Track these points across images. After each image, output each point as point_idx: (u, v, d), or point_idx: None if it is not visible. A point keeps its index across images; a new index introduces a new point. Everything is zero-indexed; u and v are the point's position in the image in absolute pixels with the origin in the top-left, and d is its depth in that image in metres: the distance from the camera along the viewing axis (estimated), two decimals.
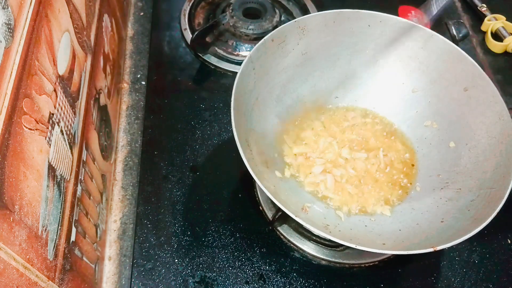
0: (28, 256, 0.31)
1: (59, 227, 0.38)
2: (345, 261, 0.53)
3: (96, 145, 0.51)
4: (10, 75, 0.31)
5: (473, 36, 0.79)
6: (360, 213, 0.51)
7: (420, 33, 0.54)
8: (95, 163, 0.50)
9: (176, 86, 0.68)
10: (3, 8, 0.30)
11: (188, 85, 0.68)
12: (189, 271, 0.51)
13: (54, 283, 0.36)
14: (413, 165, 0.55)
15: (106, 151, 0.56)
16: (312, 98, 0.59)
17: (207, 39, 0.71)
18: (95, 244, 0.48)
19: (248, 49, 0.71)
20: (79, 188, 0.44)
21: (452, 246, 0.53)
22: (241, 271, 0.52)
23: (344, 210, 0.51)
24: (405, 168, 0.55)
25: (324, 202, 0.52)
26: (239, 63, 0.70)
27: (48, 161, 0.36)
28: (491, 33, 0.78)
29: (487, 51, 0.77)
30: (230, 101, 0.45)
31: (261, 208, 0.56)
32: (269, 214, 0.55)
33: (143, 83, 0.67)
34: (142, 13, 0.77)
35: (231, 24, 0.71)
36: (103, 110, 0.55)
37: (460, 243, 0.39)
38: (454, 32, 0.74)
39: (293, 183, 0.52)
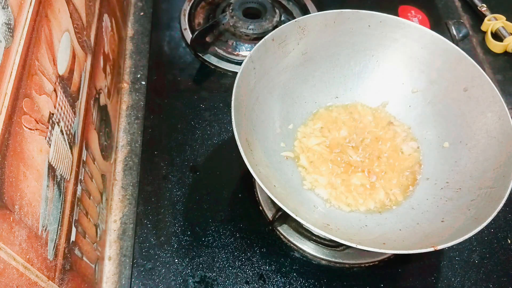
0: (28, 256, 0.31)
1: (59, 227, 0.38)
2: (345, 261, 0.53)
3: (96, 145, 0.51)
4: (10, 75, 0.31)
5: (473, 36, 0.79)
6: (361, 213, 0.51)
7: (420, 33, 0.54)
8: (95, 163, 0.50)
9: (176, 86, 0.68)
10: (3, 8, 0.30)
11: (188, 85, 0.68)
12: (189, 271, 0.51)
13: (54, 283, 0.36)
14: (413, 165, 0.55)
15: (106, 151, 0.56)
16: (312, 98, 0.59)
17: (207, 39, 0.71)
18: (95, 244, 0.48)
19: (248, 49, 0.71)
20: (79, 188, 0.44)
21: (452, 246, 0.53)
22: (241, 271, 0.52)
23: (345, 209, 0.51)
24: (405, 168, 0.55)
25: (324, 201, 0.52)
26: (239, 63, 0.70)
27: (48, 161, 0.36)
28: (491, 33, 0.78)
29: (487, 51, 0.77)
30: (230, 101, 0.45)
31: (261, 208, 0.56)
32: (269, 214, 0.55)
33: (143, 83, 0.67)
34: (142, 13, 0.77)
35: (231, 24, 0.71)
36: (103, 110, 0.55)
37: (460, 243, 0.39)
38: (454, 32, 0.75)
39: (293, 183, 0.52)
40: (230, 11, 0.72)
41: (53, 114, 0.38)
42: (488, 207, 0.42)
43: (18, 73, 0.31)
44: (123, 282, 0.51)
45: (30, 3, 0.35)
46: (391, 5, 0.81)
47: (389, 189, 0.53)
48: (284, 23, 0.55)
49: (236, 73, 0.48)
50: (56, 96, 0.39)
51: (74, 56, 0.44)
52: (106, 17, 0.59)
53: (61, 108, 0.40)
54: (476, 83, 0.51)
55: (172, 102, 0.66)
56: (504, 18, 0.78)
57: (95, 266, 0.48)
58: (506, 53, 0.77)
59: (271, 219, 0.54)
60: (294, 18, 0.73)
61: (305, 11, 0.76)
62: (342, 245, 0.51)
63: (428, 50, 0.54)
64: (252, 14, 0.74)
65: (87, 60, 0.49)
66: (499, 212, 0.41)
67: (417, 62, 0.56)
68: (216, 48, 0.72)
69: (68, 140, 0.41)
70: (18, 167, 0.31)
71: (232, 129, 0.44)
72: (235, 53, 0.71)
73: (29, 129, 0.33)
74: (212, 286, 0.50)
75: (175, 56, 0.72)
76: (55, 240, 0.37)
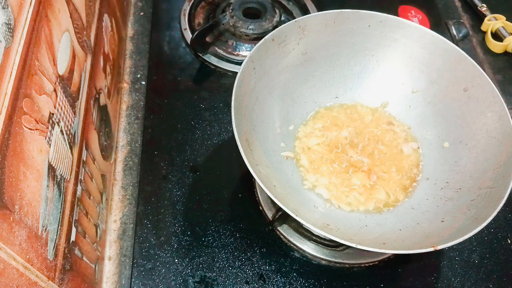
0: (28, 256, 0.31)
1: (59, 227, 0.38)
2: (345, 261, 0.53)
3: (96, 145, 0.51)
4: (10, 75, 0.31)
5: (473, 36, 0.79)
6: (361, 212, 0.51)
7: (420, 33, 0.54)
8: (95, 163, 0.50)
9: (176, 86, 0.68)
10: (3, 8, 0.30)
11: (188, 85, 0.68)
12: (189, 271, 0.51)
13: (54, 283, 0.36)
14: (413, 165, 0.55)
15: (106, 151, 0.56)
16: (312, 98, 0.59)
17: (207, 39, 0.71)
18: (95, 244, 0.48)
19: (248, 49, 0.71)
20: (79, 188, 0.44)
21: (452, 246, 0.53)
22: (241, 271, 0.52)
23: (345, 209, 0.51)
24: (405, 168, 0.55)
25: (324, 201, 0.52)
26: (239, 63, 0.70)
27: (48, 161, 0.36)
28: (491, 33, 0.78)
29: (487, 51, 0.77)
30: (230, 101, 0.45)
31: (261, 208, 0.56)
32: (269, 214, 0.55)
33: (143, 83, 0.67)
34: (142, 13, 0.77)
35: (231, 24, 0.71)
36: (103, 110, 0.55)
37: (460, 243, 0.39)
38: (454, 32, 0.74)
39: (293, 183, 0.52)
40: (230, 11, 0.72)
41: (53, 114, 0.38)
42: (488, 207, 0.42)
43: (18, 73, 0.31)
44: (123, 282, 0.51)
45: (30, 3, 0.35)
46: (391, 5, 0.81)
47: (389, 189, 0.53)
48: (284, 23, 0.55)
49: (236, 73, 0.48)
50: (56, 96, 0.39)
51: (74, 56, 0.44)
52: (106, 17, 0.59)
53: (61, 108, 0.40)
54: (476, 83, 0.51)
55: (172, 102, 0.66)
56: (504, 18, 0.78)
57: (95, 266, 0.48)
58: (506, 53, 0.77)
59: (271, 219, 0.54)
60: (294, 18, 0.73)
61: (305, 11, 0.76)
62: (342, 245, 0.51)
63: (428, 50, 0.54)
64: (252, 14, 0.74)
65: (87, 60, 0.49)
66: (499, 212, 0.41)
67: (417, 62, 0.56)
68: (216, 48, 0.72)
69: (68, 140, 0.41)
70: (18, 167, 0.31)
71: (232, 129, 0.44)
72: (235, 53, 0.71)
73: (29, 129, 0.33)
74: (212, 286, 0.50)
75: (175, 56, 0.72)
76: (55, 240, 0.37)
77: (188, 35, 0.73)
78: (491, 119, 0.49)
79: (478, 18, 0.82)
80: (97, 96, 0.52)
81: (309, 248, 0.53)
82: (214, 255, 0.52)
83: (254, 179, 0.41)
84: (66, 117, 0.41)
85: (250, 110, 0.51)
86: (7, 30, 0.30)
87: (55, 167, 0.37)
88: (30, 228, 0.32)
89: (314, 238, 0.53)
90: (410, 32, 0.55)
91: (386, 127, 0.58)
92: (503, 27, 0.77)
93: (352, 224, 0.49)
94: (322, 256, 0.53)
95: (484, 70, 0.51)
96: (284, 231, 0.54)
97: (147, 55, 0.71)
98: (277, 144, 0.54)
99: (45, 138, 0.36)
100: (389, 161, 0.55)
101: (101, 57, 0.55)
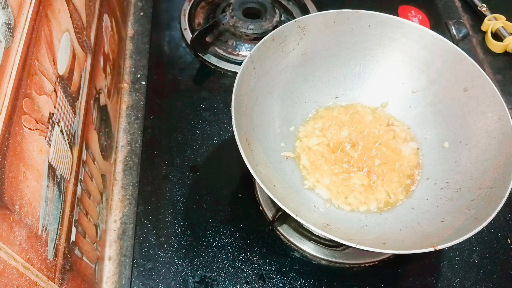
0: (28, 256, 0.31)
1: (59, 227, 0.38)
2: (345, 261, 0.53)
3: (96, 145, 0.51)
4: (10, 75, 0.31)
5: (473, 36, 0.79)
6: (361, 212, 0.51)
7: (420, 33, 0.54)
8: (95, 163, 0.50)
9: (176, 86, 0.68)
10: (3, 8, 0.30)
11: (188, 85, 0.68)
12: (189, 271, 0.51)
13: (54, 283, 0.36)
14: (413, 165, 0.55)
15: (106, 151, 0.56)
16: (312, 98, 0.59)
17: (207, 39, 0.71)
18: (95, 244, 0.48)
19: (248, 49, 0.71)
20: (79, 188, 0.44)
21: (452, 246, 0.53)
22: (241, 271, 0.52)
23: (345, 209, 0.51)
24: (405, 168, 0.55)
25: (324, 201, 0.52)
26: (239, 63, 0.70)
27: (48, 161, 0.36)
28: (491, 33, 0.78)
29: (487, 51, 0.77)
30: (230, 101, 0.45)
31: (261, 208, 0.56)
32: (269, 214, 0.55)
33: (143, 83, 0.67)
34: (142, 13, 0.77)
35: (231, 24, 0.71)
36: (103, 110, 0.55)
37: (460, 243, 0.39)
38: (454, 32, 0.74)
39: (293, 183, 0.52)
40: (230, 11, 0.72)
41: (53, 114, 0.38)
42: (488, 207, 0.42)
43: (18, 73, 0.31)
44: (123, 282, 0.51)
45: (30, 3, 0.35)
46: (391, 5, 0.81)
47: (389, 189, 0.53)
48: (284, 23, 0.55)
49: (236, 73, 0.48)
50: (56, 96, 0.39)
51: (74, 56, 0.44)
52: (106, 17, 0.59)
53: (61, 108, 0.40)
54: (476, 83, 0.51)
55: (172, 102, 0.66)
56: (504, 18, 0.79)
57: (95, 266, 0.48)
58: (506, 53, 0.77)
59: (271, 219, 0.54)
60: (294, 18, 0.73)
61: (305, 11, 0.76)
62: (342, 245, 0.51)
63: (428, 50, 0.54)
64: (252, 14, 0.74)
65: (87, 60, 0.49)
66: (499, 212, 0.41)
67: (417, 62, 0.56)
68: (216, 48, 0.72)
69: (68, 140, 0.41)
70: (18, 167, 0.31)
71: (232, 129, 0.44)
72: (235, 53, 0.71)
73: (29, 129, 0.33)
74: (212, 286, 0.50)
75: (175, 56, 0.72)
76: (55, 240, 0.37)
77: (188, 35, 0.73)
78: (491, 119, 0.49)
79: (478, 18, 0.82)
80: (97, 96, 0.52)
81: (309, 248, 0.53)
82: (214, 255, 0.52)
83: (254, 179, 0.41)
84: (66, 117, 0.41)
85: (250, 110, 0.51)
86: (7, 30, 0.30)
87: (55, 167, 0.37)
88: (30, 228, 0.32)
89: (314, 238, 0.53)
90: (410, 32, 0.55)
91: (386, 127, 0.58)
92: (503, 27, 0.77)
93: (352, 224, 0.49)
94: (322, 256, 0.53)
95: (484, 70, 0.51)
96: (284, 231, 0.54)
97: (147, 55, 0.71)
98: (277, 144, 0.54)
99: (45, 138, 0.36)
100: (389, 161, 0.55)
101: (101, 57, 0.55)
